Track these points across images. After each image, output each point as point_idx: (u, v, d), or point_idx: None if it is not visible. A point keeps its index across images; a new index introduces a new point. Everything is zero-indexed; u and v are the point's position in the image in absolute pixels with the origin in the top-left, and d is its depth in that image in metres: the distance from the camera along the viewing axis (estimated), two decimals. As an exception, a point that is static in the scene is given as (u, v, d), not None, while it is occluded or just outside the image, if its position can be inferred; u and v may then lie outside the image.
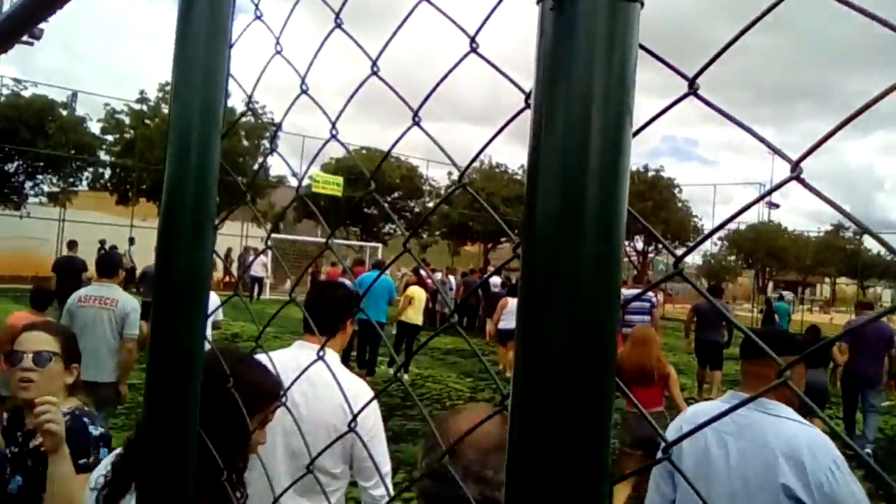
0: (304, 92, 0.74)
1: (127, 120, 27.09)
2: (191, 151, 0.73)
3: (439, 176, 36.49)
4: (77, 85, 25.16)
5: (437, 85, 0.62)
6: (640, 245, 38.23)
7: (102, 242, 20.71)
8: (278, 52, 0.77)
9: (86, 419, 1.99)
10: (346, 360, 10.67)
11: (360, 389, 2.36)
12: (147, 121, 26.94)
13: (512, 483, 0.39)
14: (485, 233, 33.45)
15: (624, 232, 0.40)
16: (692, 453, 2.24)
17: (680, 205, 38.26)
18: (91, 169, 28.31)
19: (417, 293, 11.14)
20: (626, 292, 12.78)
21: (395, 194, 33.96)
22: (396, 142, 0.77)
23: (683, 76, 0.44)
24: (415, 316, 10.94)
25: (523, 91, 0.45)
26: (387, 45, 0.77)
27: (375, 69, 0.68)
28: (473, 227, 32.59)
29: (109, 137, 27.51)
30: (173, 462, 0.72)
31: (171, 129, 0.73)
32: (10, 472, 1.85)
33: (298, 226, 33.14)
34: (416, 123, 0.66)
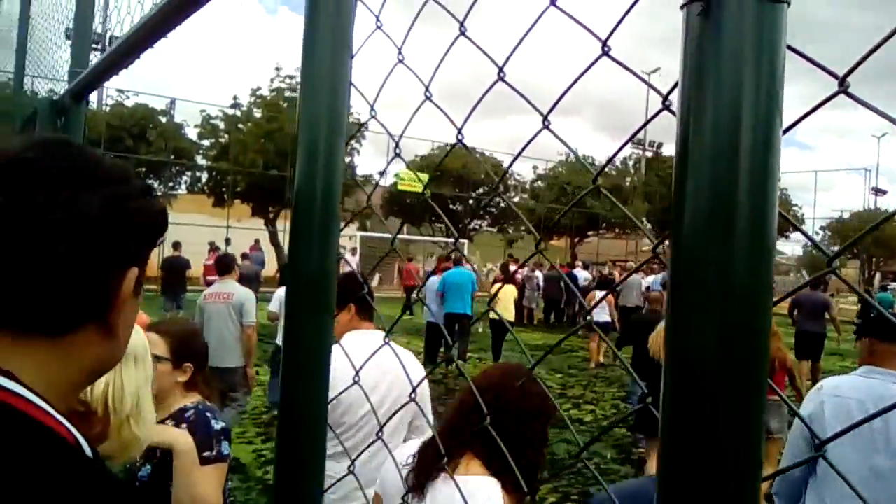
0: (427, 98, 0.77)
1: (221, 125, 28.24)
2: (318, 157, 0.77)
3: (524, 170, 36.24)
4: (175, 93, 26.47)
5: (568, 90, 0.63)
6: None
7: (212, 244, 21.65)
8: (400, 62, 0.80)
9: (208, 413, 2.09)
10: (431, 355, 10.83)
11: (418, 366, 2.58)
12: (240, 125, 28.00)
13: (667, 482, 0.39)
14: (571, 227, 33.02)
15: (775, 231, 0.40)
16: (835, 426, 2.22)
17: (778, 193, 36.58)
18: (189, 173, 29.72)
19: (503, 289, 11.15)
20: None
21: (480, 189, 34.00)
22: (526, 145, 0.78)
23: (833, 75, 0.44)
24: (504, 312, 10.99)
25: (660, 93, 0.46)
26: (514, 49, 0.78)
27: (502, 74, 0.69)
28: (560, 221, 32.24)
29: (206, 142, 28.77)
30: (303, 449, 0.77)
31: (300, 137, 0.77)
32: (141, 462, 1.98)
33: (386, 223, 33.63)
34: (546, 127, 0.67)
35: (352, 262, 25.70)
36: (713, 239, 0.38)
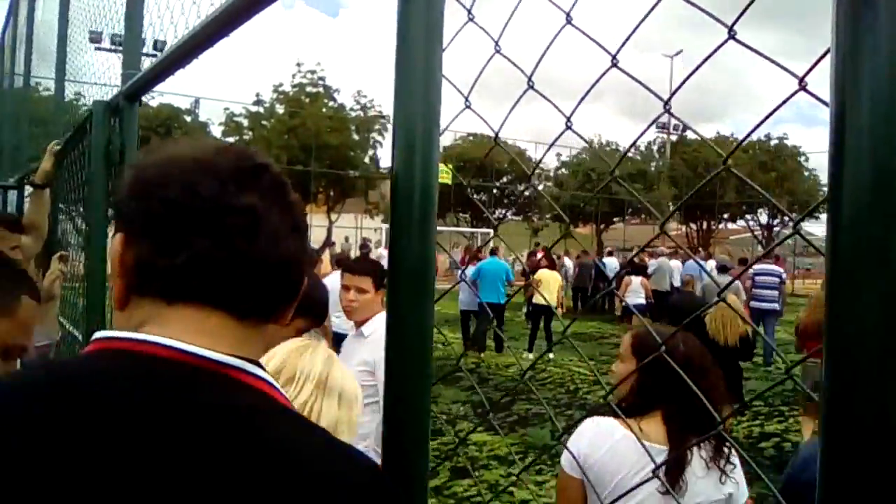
0: (531, 87, 0.78)
1: (245, 122, 28.47)
2: (416, 150, 0.79)
3: (548, 158, 36.08)
4: (198, 92, 26.72)
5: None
6: (764, 219, 36.33)
7: None
8: (498, 52, 0.81)
9: None
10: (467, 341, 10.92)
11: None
12: (263, 122, 28.21)
13: (829, 477, 0.41)
14: (597, 214, 32.84)
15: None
16: None
17: (807, 174, 35.99)
18: (216, 171, 29.98)
19: (547, 276, 11.23)
20: (757, 267, 12.41)
21: (504, 179, 33.93)
22: (637, 139, 0.79)
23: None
24: (549, 298, 10.96)
25: (795, 75, 0.46)
26: (626, 40, 0.80)
27: (615, 61, 0.70)
28: (585, 208, 32.05)
29: (230, 140, 29.03)
30: (410, 433, 0.79)
31: (396, 131, 0.80)
32: None
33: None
34: (667, 111, 0.68)
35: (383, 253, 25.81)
36: (874, 220, 0.39)
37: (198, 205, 0.66)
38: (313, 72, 28.51)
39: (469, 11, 0.82)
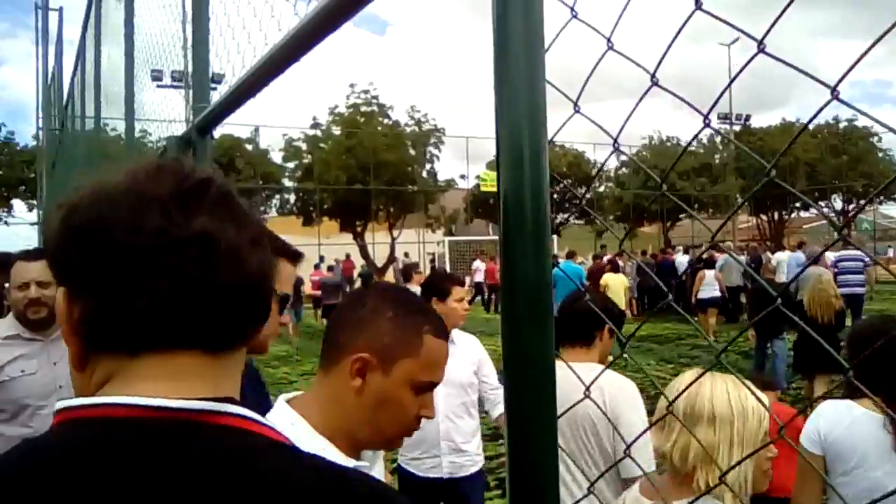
0: (655, 83, 0.71)
1: (304, 146, 29.07)
2: (524, 161, 0.72)
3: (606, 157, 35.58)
4: (257, 120, 27.38)
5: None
6: (839, 204, 34.87)
7: (321, 259, 22.28)
8: (610, 48, 0.75)
9: None
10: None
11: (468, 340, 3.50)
12: (321, 144, 28.74)
13: None
14: (662, 211, 32.12)
15: None
16: None
17: (881, 154, 34.42)
18: (277, 196, 30.73)
19: (612, 280, 11.08)
20: (835, 255, 12.24)
21: (567, 182, 33.61)
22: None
23: None
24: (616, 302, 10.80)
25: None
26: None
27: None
28: (650, 206, 31.41)
29: (290, 165, 29.68)
30: (536, 457, 0.72)
31: (500, 143, 0.74)
32: None
33: (471, 226, 33.75)
34: (835, 97, 0.60)
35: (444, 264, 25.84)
36: None
37: (144, 243, 0.59)
38: (366, 91, 28.95)
39: (572, 9, 0.75)
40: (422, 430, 2.97)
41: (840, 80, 0.62)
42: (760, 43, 0.67)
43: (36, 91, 15.55)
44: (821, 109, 0.65)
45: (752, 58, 0.70)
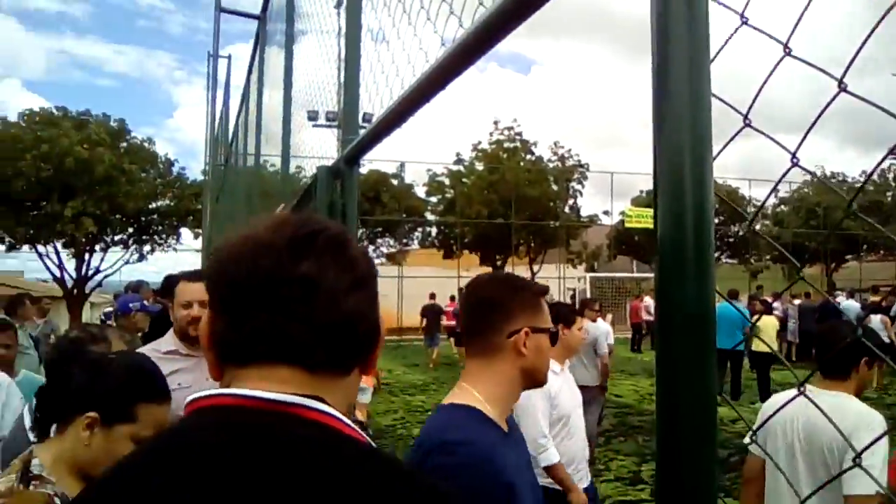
0: (843, 89, 0.62)
1: (447, 181, 29.70)
2: (685, 184, 0.65)
3: (762, 195, 33.59)
4: (403, 157, 28.36)
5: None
6: None
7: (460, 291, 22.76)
8: (788, 54, 0.67)
9: None
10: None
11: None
12: (464, 179, 29.25)
13: None
14: (826, 252, 29.73)
15: None
16: None
17: None
18: (420, 229, 31.53)
19: (764, 321, 10.56)
20: None
21: (717, 220, 31.95)
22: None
23: None
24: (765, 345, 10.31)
25: None
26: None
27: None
28: (810, 246, 29.22)
29: (433, 199, 30.40)
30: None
31: (658, 165, 0.67)
32: None
33: (614, 262, 32.89)
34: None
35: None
36: None
37: (254, 282, 0.76)
38: (510, 128, 29.22)
39: (742, 14, 0.67)
40: (573, 447, 3.38)
41: None
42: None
43: (205, 131, 17.00)
44: None
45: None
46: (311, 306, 0.75)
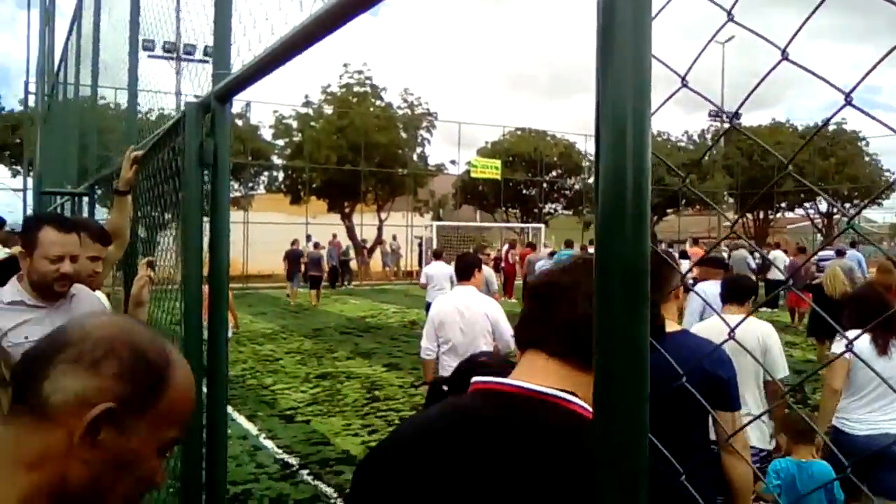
0: (784, 57, 0.68)
1: (294, 124, 28.78)
2: (626, 135, 0.69)
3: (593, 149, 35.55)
4: (248, 96, 27.00)
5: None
6: (823, 206, 35.16)
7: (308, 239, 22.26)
8: (731, 20, 0.71)
9: None
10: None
11: (493, 303, 5.08)
12: (312, 123, 28.48)
13: None
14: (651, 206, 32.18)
15: None
16: None
17: (868, 159, 34.71)
18: (266, 173, 30.44)
19: None
20: (822, 254, 13.16)
21: (554, 173, 33.57)
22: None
23: None
24: None
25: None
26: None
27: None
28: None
29: (280, 142, 29.40)
30: (623, 451, 0.70)
31: (601, 114, 0.70)
32: None
33: (459, 211, 33.68)
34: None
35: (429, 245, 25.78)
36: None
37: (540, 291, 1.11)
38: (360, 72, 28.69)
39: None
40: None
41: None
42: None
43: (26, 56, 15.23)
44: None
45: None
46: (556, 307, 1.07)
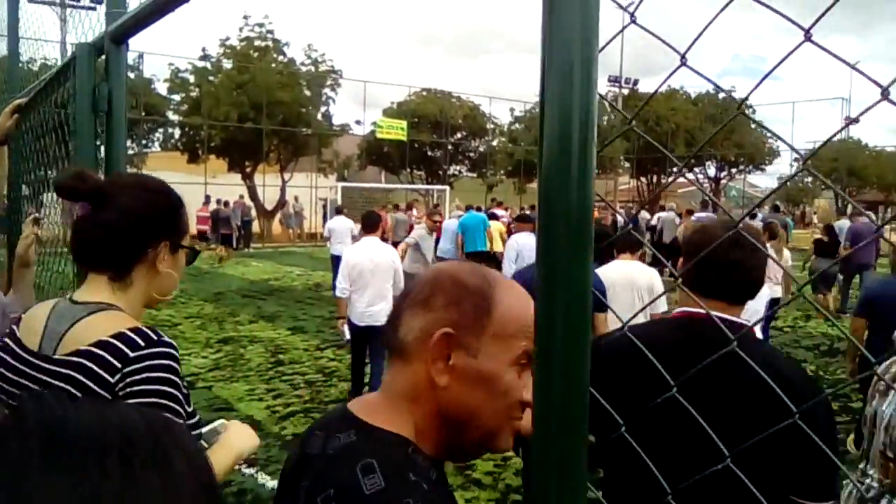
0: (684, 64, 0.66)
1: (191, 78, 27.42)
2: (573, 80, 0.66)
3: (501, 113, 36.00)
4: (140, 46, 25.45)
5: (697, 34, 0.53)
6: (712, 171, 37.03)
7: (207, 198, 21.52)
8: None
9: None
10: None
11: (395, 252, 6.30)
12: (211, 78, 27.21)
13: None
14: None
15: None
16: None
17: (753, 126, 36.73)
18: (161, 130, 28.93)
19: (495, 226, 13.28)
20: (699, 215, 13.90)
21: (459, 135, 33.65)
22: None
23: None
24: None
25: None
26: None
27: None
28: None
29: (176, 97, 27.98)
30: (565, 395, 0.69)
31: (547, 60, 0.67)
32: None
33: (364, 172, 33.29)
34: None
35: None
36: None
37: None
38: (261, 25, 27.56)
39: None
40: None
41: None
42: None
43: None
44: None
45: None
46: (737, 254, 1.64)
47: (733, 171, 37.14)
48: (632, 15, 0.75)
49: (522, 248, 7.65)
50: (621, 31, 0.78)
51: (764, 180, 43.92)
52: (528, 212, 11.50)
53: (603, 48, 0.67)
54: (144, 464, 0.43)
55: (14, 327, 1.43)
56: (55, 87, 2.28)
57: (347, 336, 6.13)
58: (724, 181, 37.32)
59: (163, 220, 1.43)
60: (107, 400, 1.26)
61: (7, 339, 1.41)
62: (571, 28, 0.66)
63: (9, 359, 1.38)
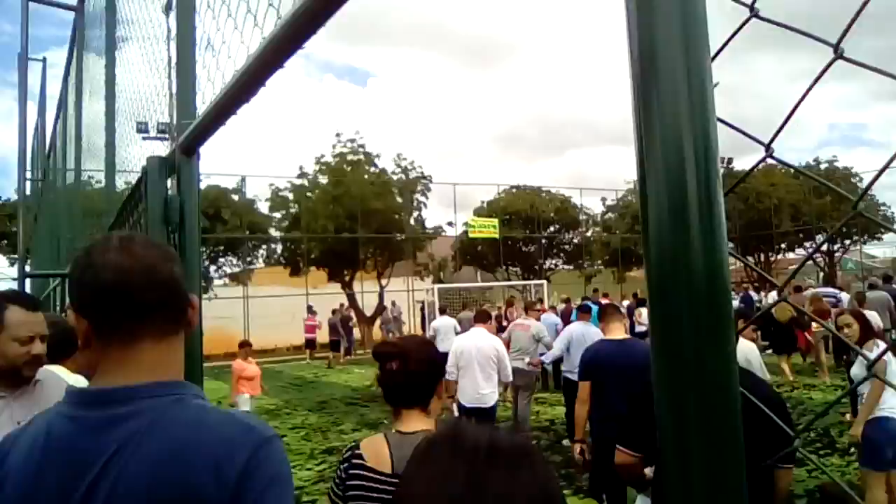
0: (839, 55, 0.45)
1: (290, 196, 28.81)
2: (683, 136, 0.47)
3: (593, 204, 35.76)
4: (243, 171, 27.18)
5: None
6: (824, 246, 34.97)
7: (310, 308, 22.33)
8: (755, 16, 0.50)
9: None
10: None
11: (499, 341, 7.33)
12: (308, 194, 28.51)
13: None
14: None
15: None
16: None
17: (865, 197, 34.76)
18: (264, 246, 30.32)
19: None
20: (816, 291, 13.52)
21: (552, 228, 33.51)
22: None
23: None
24: None
25: None
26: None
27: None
28: (637, 250, 31.34)
29: (277, 214, 29.38)
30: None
31: (639, 74, 0.48)
32: None
33: (460, 273, 33.46)
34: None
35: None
36: None
37: None
38: (353, 140, 28.91)
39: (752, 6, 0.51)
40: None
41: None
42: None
43: (18, 145, 15.24)
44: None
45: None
46: None
47: (846, 242, 34.97)
48: (751, 8, 0.55)
49: (573, 334, 7.99)
50: (742, 24, 0.59)
51: (880, 250, 41.11)
52: (589, 302, 11.27)
53: (715, 56, 0.48)
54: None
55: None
56: (134, 203, 2.28)
57: (456, 414, 6.94)
58: (837, 254, 35.11)
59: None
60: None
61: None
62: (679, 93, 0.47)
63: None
